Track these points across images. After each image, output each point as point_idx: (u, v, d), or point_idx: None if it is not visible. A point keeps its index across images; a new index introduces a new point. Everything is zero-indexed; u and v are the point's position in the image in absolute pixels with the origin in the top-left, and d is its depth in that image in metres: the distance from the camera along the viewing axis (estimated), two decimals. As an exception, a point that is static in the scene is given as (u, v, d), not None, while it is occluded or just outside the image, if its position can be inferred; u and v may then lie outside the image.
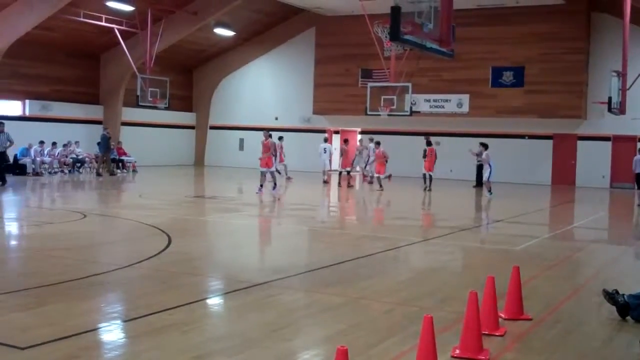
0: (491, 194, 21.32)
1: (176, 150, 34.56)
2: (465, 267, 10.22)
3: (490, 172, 21.61)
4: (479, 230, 14.61)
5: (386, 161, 23.53)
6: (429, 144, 23.69)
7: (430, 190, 22.69)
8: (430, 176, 23.16)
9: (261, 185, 19.89)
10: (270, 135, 20.43)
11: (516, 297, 6.68)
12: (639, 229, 16.81)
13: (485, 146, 22.32)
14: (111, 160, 27.22)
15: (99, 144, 28.42)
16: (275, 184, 20.32)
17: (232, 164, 33.90)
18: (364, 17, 26.03)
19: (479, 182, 25.58)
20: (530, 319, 6.61)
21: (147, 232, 11.86)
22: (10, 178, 22.54)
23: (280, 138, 25.38)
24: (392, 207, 19.41)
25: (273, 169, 20.24)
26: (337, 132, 32.55)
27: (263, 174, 20.05)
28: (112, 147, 27.35)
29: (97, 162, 26.84)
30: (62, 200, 18.43)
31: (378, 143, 24.21)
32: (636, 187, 22.25)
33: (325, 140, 26.90)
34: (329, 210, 18.93)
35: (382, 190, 22.53)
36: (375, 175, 23.54)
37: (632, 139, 26.84)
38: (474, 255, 11.54)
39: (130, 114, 30.62)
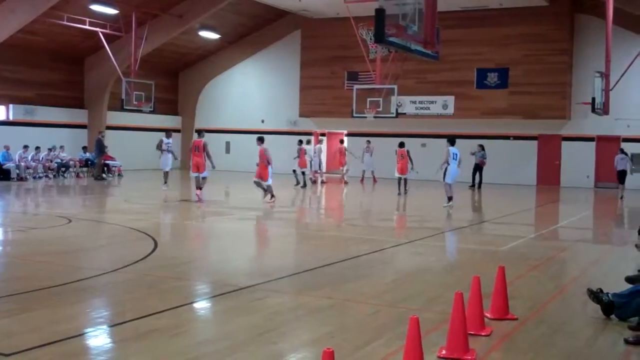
0: (449, 202, 17.68)
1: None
2: (451, 268, 10.25)
3: (444, 172, 17.75)
4: (464, 231, 14.66)
5: (268, 163, 17.62)
6: (401, 145, 22.26)
7: (400, 194, 21.59)
8: (400, 178, 21.80)
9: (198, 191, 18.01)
10: (201, 134, 18.79)
11: (502, 297, 6.72)
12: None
13: (450, 142, 17.82)
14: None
15: (84, 148, 28.34)
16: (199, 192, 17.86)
17: (219, 167, 33.47)
18: (349, 19, 26.12)
19: (473, 183, 25.76)
20: (516, 319, 6.65)
21: (133, 236, 11.81)
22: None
23: (341, 141, 24.38)
24: (378, 209, 19.43)
25: (205, 174, 18.05)
26: (323, 135, 32.58)
27: (196, 179, 18.28)
28: (106, 151, 27.15)
29: (94, 167, 26.75)
30: (47, 205, 18.31)
31: (260, 140, 18.02)
32: (619, 183, 22.71)
33: (309, 142, 26.98)
34: (316, 212, 18.92)
35: (271, 200, 17.66)
36: (254, 179, 18.01)
37: (616, 139, 27.07)
38: (459, 255, 11.61)
39: (115, 117, 30.46)
